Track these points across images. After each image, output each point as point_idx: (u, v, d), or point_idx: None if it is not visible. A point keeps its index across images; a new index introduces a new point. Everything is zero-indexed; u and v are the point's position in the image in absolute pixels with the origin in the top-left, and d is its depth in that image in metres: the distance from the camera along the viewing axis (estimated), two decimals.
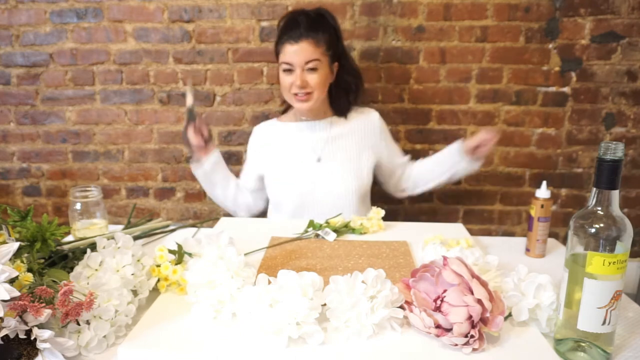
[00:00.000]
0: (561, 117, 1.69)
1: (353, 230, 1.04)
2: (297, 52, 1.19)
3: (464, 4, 1.62)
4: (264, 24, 1.68)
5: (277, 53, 1.26)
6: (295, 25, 1.21)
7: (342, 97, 1.34)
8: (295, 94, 1.23)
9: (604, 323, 0.57)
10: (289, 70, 1.23)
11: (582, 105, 1.68)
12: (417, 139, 1.76)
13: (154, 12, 1.69)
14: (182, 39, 1.70)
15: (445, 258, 0.65)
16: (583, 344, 0.59)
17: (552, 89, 1.67)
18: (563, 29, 1.61)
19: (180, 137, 1.81)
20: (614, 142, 0.56)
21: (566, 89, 1.67)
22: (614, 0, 1.57)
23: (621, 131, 1.68)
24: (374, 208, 1.09)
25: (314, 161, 1.31)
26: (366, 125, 1.35)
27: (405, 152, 1.77)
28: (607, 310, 0.57)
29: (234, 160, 1.82)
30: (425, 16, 1.63)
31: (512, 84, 1.68)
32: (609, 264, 0.56)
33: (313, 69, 1.21)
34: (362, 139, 1.34)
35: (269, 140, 1.37)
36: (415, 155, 1.78)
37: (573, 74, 1.65)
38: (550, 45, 1.63)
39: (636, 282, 1.76)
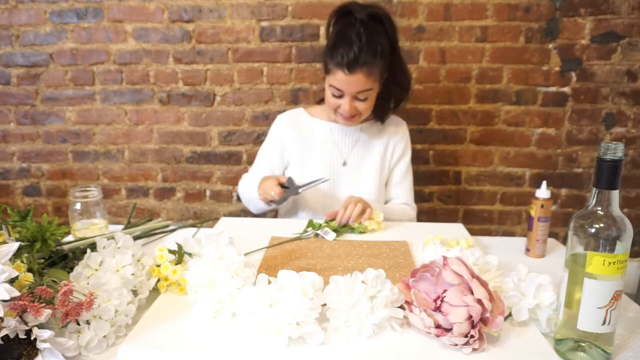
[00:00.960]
0: (561, 117, 1.69)
1: (352, 230, 1.04)
2: (350, 82, 1.12)
3: (464, 4, 1.62)
4: (264, 24, 1.68)
5: (326, 66, 1.16)
6: (349, 46, 1.09)
7: (384, 104, 1.27)
8: (342, 115, 1.20)
9: (604, 323, 0.57)
10: (338, 96, 1.17)
11: (582, 105, 1.68)
12: (418, 139, 1.76)
13: (154, 12, 1.69)
14: (182, 39, 1.71)
15: (445, 258, 0.65)
16: (583, 344, 0.59)
17: (552, 89, 1.67)
18: (563, 29, 1.61)
19: (179, 137, 1.81)
20: (614, 142, 0.56)
21: (566, 89, 1.67)
22: (614, 0, 1.57)
23: (621, 131, 1.68)
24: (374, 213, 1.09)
25: (339, 164, 1.29)
26: (395, 133, 1.32)
27: None
28: (607, 310, 0.57)
29: (233, 160, 1.82)
30: (425, 16, 1.63)
31: (512, 84, 1.68)
32: (609, 264, 0.56)
33: (363, 99, 1.17)
34: (387, 146, 1.31)
35: (296, 133, 1.31)
36: (415, 155, 1.78)
37: (573, 74, 1.65)
38: (550, 45, 1.63)
39: (636, 282, 1.76)
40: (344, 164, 1.29)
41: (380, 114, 1.29)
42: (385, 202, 1.35)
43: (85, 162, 1.85)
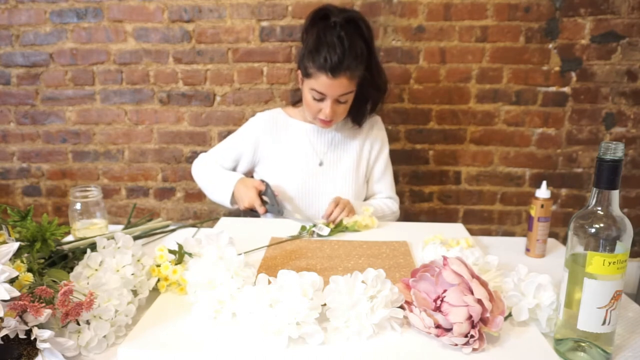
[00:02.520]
0: (561, 117, 1.69)
1: (347, 228, 1.04)
2: (334, 86, 1.12)
3: (464, 4, 1.62)
4: (264, 24, 1.68)
5: (306, 70, 1.15)
6: (333, 50, 1.09)
7: (361, 107, 1.27)
8: (321, 119, 1.20)
9: (604, 323, 0.57)
10: (319, 100, 1.16)
11: (582, 105, 1.68)
12: (417, 139, 1.76)
13: (154, 12, 1.69)
14: (182, 39, 1.71)
15: (445, 258, 0.65)
16: (583, 344, 0.59)
17: (552, 88, 1.67)
18: (563, 28, 1.61)
19: (179, 137, 1.81)
20: (614, 142, 0.56)
21: (566, 89, 1.67)
22: (614, 0, 1.57)
23: (621, 131, 1.68)
24: (364, 207, 1.11)
25: (315, 165, 1.29)
26: (370, 130, 1.33)
27: (405, 152, 1.78)
28: (607, 310, 0.57)
29: None
30: (425, 16, 1.63)
31: (512, 83, 1.68)
32: (609, 264, 0.56)
33: (344, 102, 1.17)
34: (364, 144, 1.32)
35: (273, 133, 1.31)
36: (415, 155, 1.78)
37: (573, 74, 1.65)
38: (550, 45, 1.63)
39: (636, 282, 1.76)
40: (320, 164, 1.29)
41: (357, 117, 1.29)
42: (368, 198, 1.36)
43: (85, 162, 1.85)
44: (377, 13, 1.64)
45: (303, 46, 1.18)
